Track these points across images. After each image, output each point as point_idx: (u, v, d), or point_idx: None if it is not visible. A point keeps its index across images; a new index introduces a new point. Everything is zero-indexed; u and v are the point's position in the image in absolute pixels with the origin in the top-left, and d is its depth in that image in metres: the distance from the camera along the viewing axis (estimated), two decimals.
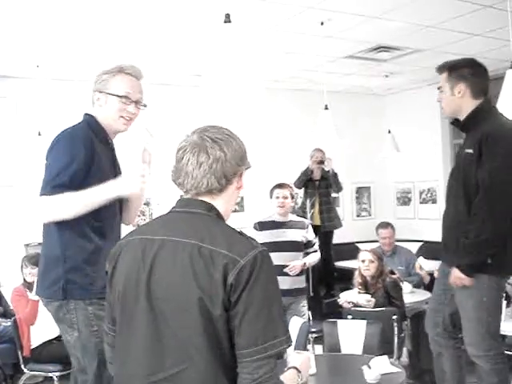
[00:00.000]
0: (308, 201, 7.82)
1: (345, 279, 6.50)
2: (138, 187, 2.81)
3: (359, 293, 5.32)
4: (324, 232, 7.72)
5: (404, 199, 9.72)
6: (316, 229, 6.58)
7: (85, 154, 2.69)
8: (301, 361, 2.08)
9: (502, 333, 3.77)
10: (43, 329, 4.85)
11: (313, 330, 5.35)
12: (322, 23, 5.53)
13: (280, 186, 5.37)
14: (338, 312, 5.25)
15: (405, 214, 9.55)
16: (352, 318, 4.80)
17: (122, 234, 2.09)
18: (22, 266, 5.36)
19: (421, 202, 9.38)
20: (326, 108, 6.32)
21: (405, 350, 5.37)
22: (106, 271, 1.93)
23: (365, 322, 4.49)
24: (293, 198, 5.47)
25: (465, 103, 3.44)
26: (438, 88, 3.56)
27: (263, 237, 4.96)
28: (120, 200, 2.95)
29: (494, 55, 6.62)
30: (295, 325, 4.38)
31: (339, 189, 7.94)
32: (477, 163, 3.27)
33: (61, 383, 4.86)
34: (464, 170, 3.39)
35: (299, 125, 8.56)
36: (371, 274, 5.31)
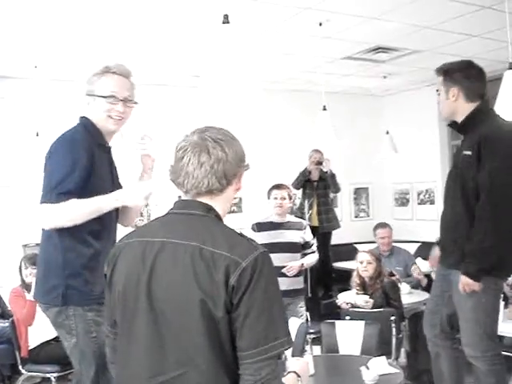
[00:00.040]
0: (306, 202, 7.82)
1: (343, 280, 6.50)
2: (141, 201, 2.83)
3: (357, 294, 5.32)
4: (322, 233, 7.72)
5: (402, 200, 9.72)
6: (314, 230, 6.58)
7: (86, 159, 2.69)
8: (300, 366, 2.08)
9: (499, 334, 3.77)
10: (41, 329, 4.84)
11: (311, 330, 5.35)
12: (320, 24, 5.53)
13: (278, 186, 5.37)
14: (336, 313, 5.25)
15: (403, 214, 9.56)
16: (350, 319, 4.80)
17: (119, 236, 2.07)
18: (20, 268, 5.35)
19: (419, 203, 9.38)
20: (325, 109, 6.32)
21: (403, 350, 5.38)
22: (105, 274, 1.92)
23: (363, 322, 4.49)
24: (291, 198, 5.47)
25: (460, 107, 3.45)
26: (437, 90, 3.57)
27: (261, 238, 4.96)
28: None
29: (492, 56, 6.62)
30: (293, 326, 4.37)
31: (337, 190, 7.95)
32: (476, 166, 3.27)
33: None
34: (462, 171, 3.40)
35: (297, 126, 8.56)
36: (369, 274, 5.32)
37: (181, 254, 1.72)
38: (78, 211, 2.63)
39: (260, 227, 5.31)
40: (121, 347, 1.87)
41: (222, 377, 1.68)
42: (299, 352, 4.06)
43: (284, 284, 4.92)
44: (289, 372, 2.02)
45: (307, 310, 5.42)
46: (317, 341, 4.93)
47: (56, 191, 2.62)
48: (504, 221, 3.25)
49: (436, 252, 3.83)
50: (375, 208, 9.89)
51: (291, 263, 5.08)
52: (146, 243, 1.81)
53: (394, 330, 4.74)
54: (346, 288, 5.77)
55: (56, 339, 4.59)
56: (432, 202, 9.02)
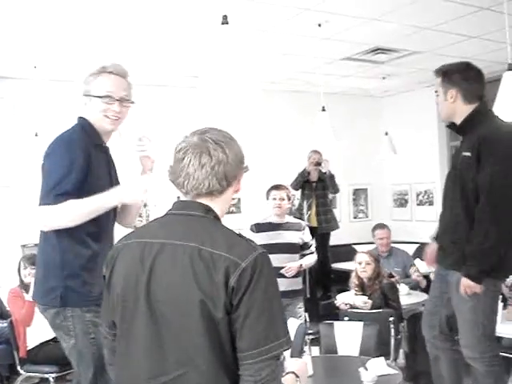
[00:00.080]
0: (305, 202, 7.82)
1: (341, 281, 6.50)
2: (140, 196, 2.82)
3: (356, 294, 5.32)
4: (321, 234, 7.72)
5: (401, 201, 9.72)
6: (313, 230, 6.57)
7: (83, 159, 2.69)
8: (299, 366, 2.09)
9: (497, 335, 3.78)
10: (39, 330, 4.83)
11: (309, 331, 5.35)
12: (319, 25, 5.54)
13: (277, 187, 5.36)
14: (335, 314, 5.25)
15: (401, 215, 9.56)
16: (349, 320, 4.80)
17: (118, 237, 2.07)
18: (19, 268, 5.34)
19: (417, 204, 9.39)
20: (324, 110, 6.32)
21: (401, 351, 5.38)
22: (104, 275, 1.91)
23: (361, 323, 4.49)
24: (290, 199, 5.47)
25: (458, 108, 3.45)
26: (435, 91, 3.58)
27: (260, 239, 4.97)
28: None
29: (491, 57, 6.63)
30: (292, 326, 4.37)
31: (336, 190, 7.95)
32: (475, 167, 3.27)
33: None
34: (461, 172, 3.40)
35: (296, 126, 8.56)
36: (368, 275, 5.32)
37: (180, 254, 1.72)
38: (76, 211, 2.63)
39: (259, 228, 5.32)
40: (120, 348, 1.87)
41: (222, 377, 1.68)
42: (298, 353, 4.05)
43: (283, 285, 4.90)
44: (287, 373, 2.02)
45: (306, 310, 5.42)
46: (315, 341, 4.93)
47: (54, 192, 2.61)
48: (504, 222, 3.25)
49: (431, 248, 3.82)
50: (374, 209, 9.89)
51: (290, 264, 5.09)
52: (144, 244, 1.80)
53: (392, 330, 4.73)
54: (345, 289, 5.76)
55: (54, 340, 4.59)
56: (431, 203, 9.02)
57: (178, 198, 1.92)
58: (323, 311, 6.03)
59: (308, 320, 5.49)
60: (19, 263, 5.38)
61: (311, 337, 5.47)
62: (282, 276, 4.94)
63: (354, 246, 7.93)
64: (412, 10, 5.18)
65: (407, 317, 5.44)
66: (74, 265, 2.71)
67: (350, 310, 5.09)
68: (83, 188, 2.64)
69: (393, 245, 6.81)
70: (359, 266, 5.39)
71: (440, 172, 8.62)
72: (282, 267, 4.98)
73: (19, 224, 6.48)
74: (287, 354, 1.79)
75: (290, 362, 2.11)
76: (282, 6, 5.01)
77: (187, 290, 1.68)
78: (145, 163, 3.06)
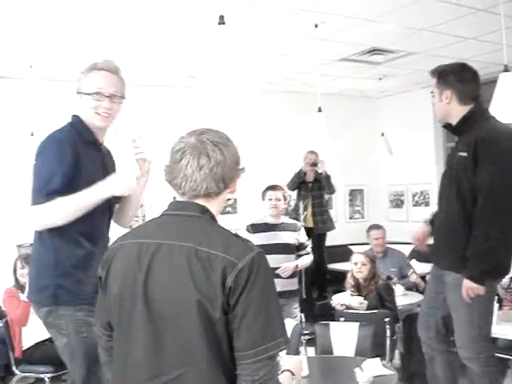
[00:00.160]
0: (301, 203, 7.82)
1: (337, 281, 6.50)
2: (128, 187, 2.79)
3: (352, 295, 5.32)
4: (317, 234, 7.73)
5: (397, 202, 9.74)
6: (309, 231, 6.58)
7: (71, 156, 2.68)
8: (294, 364, 2.10)
9: (493, 336, 3.78)
10: (35, 330, 4.81)
11: (305, 332, 5.33)
12: (316, 26, 5.54)
13: (273, 187, 5.36)
14: (331, 314, 5.24)
15: (397, 216, 9.57)
16: (344, 320, 4.80)
17: (114, 237, 2.06)
18: (15, 268, 5.33)
19: (413, 205, 9.40)
20: (320, 110, 6.33)
21: (397, 352, 5.38)
22: (100, 276, 1.91)
23: (357, 324, 4.49)
24: (286, 199, 5.46)
25: (453, 109, 3.46)
26: (431, 92, 3.58)
27: (256, 239, 4.95)
28: (111, 204, 2.94)
29: (487, 59, 6.65)
30: (288, 327, 4.36)
31: (332, 191, 7.96)
32: (472, 167, 3.27)
33: None
34: (457, 172, 3.40)
35: (293, 127, 8.57)
36: (364, 276, 5.32)
37: (176, 255, 1.72)
38: (66, 208, 2.62)
39: (255, 228, 5.31)
40: (118, 348, 1.87)
41: (220, 377, 1.69)
42: (293, 353, 4.05)
43: (278, 285, 4.83)
44: (283, 371, 2.02)
45: (301, 311, 5.42)
46: (311, 342, 4.92)
47: (42, 192, 2.62)
48: (504, 222, 3.25)
49: (423, 230, 3.83)
50: (370, 210, 9.90)
51: (285, 264, 5.08)
52: (141, 244, 1.80)
53: (388, 331, 4.73)
54: (341, 289, 5.77)
55: (50, 340, 4.53)
56: (427, 204, 9.03)
57: (174, 198, 1.92)
58: (319, 312, 6.02)
59: (304, 320, 5.49)
60: (15, 263, 5.36)
61: (307, 337, 5.45)
62: (278, 276, 4.93)
63: (350, 247, 7.91)
64: (408, 11, 5.19)
65: (403, 317, 5.44)
66: (67, 264, 2.71)
67: (345, 311, 5.09)
68: (73, 186, 2.63)
69: (388, 245, 6.81)
70: (355, 267, 5.39)
71: (436, 173, 8.63)
72: (278, 268, 4.97)
73: (15, 224, 6.46)
74: (283, 353, 1.79)
75: (285, 360, 2.11)
76: (279, 7, 5.01)
77: (184, 290, 1.68)
78: (141, 164, 3.05)
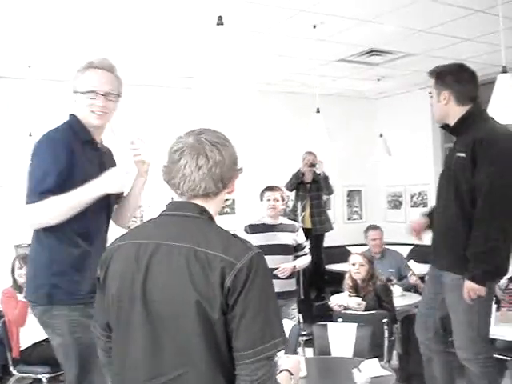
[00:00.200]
0: (299, 204, 7.83)
1: (335, 282, 6.50)
2: (122, 185, 2.79)
3: (350, 296, 5.33)
4: (315, 235, 7.73)
5: (395, 203, 9.74)
6: (307, 232, 6.57)
7: (65, 155, 2.68)
8: (292, 363, 2.10)
9: (491, 337, 3.78)
10: (33, 330, 4.81)
11: (303, 332, 5.33)
12: (314, 26, 5.55)
13: (271, 188, 5.36)
14: (329, 315, 5.25)
15: (395, 217, 9.56)
16: (342, 321, 4.80)
17: (112, 237, 2.06)
18: (13, 268, 5.32)
19: (412, 206, 9.40)
20: (318, 111, 6.33)
21: (395, 353, 5.38)
22: (98, 277, 1.91)
23: (355, 325, 4.49)
24: (284, 200, 5.47)
25: (451, 110, 3.46)
26: (429, 93, 3.58)
27: (254, 240, 4.93)
28: (109, 203, 2.94)
29: (485, 60, 6.66)
30: (286, 328, 4.36)
31: (330, 192, 7.96)
32: (470, 168, 3.27)
33: None
34: (455, 173, 3.40)
35: (291, 127, 8.58)
36: (362, 277, 5.33)
37: (175, 255, 1.72)
38: (58, 207, 2.62)
39: (253, 229, 5.31)
40: (117, 349, 1.86)
41: (219, 377, 1.69)
42: (292, 354, 4.05)
43: (276, 286, 4.82)
44: (281, 370, 2.03)
45: (299, 312, 5.41)
46: (309, 343, 4.92)
47: (36, 191, 2.63)
48: (503, 222, 3.25)
49: (421, 222, 3.84)
50: (368, 210, 9.90)
51: (283, 265, 5.08)
52: (139, 245, 1.80)
53: (386, 332, 4.73)
54: (339, 290, 5.77)
55: (48, 340, 4.55)
56: (425, 205, 9.02)
57: (172, 198, 1.91)
58: (317, 312, 6.03)
59: (302, 321, 5.49)
60: (13, 263, 5.36)
61: (305, 338, 5.45)
62: (276, 277, 4.92)
63: (348, 248, 7.92)
64: (407, 12, 5.20)
65: (401, 318, 5.44)
66: (62, 263, 2.72)
67: (343, 312, 5.09)
68: (67, 185, 2.63)
69: (386, 246, 6.81)
70: (353, 268, 5.39)
71: (434, 174, 8.63)
72: (276, 268, 4.97)
73: (12, 224, 6.44)
74: (281, 353, 1.79)
75: (283, 360, 2.11)
76: (277, 7, 5.01)
77: (183, 290, 1.68)
78: (140, 166, 3.04)
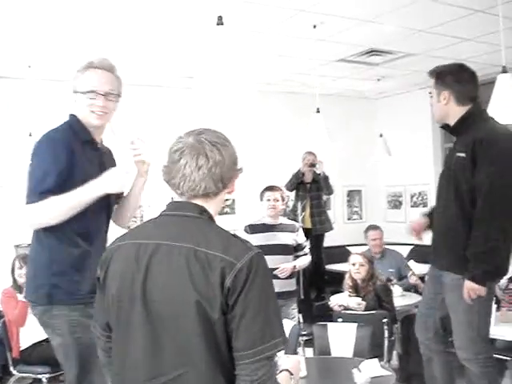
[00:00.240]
0: (299, 204, 7.83)
1: (335, 282, 6.50)
2: (121, 185, 2.79)
3: (350, 296, 5.33)
4: (315, 235, 7.73)
5: (395, 203, 9.74)
6: (307, 232, 6.57)
7: (65, 155, 2.68)
8: (292, 363, 2.10)
9: (491, 337, 3.78)
10: (33, 330, 4.81)
11: (303, 332, 5.33)
12: (314, 26, 5.55)
13: (271, 188, 5.36)
14: (329, 315, 5.25)
15: (395, 217, 9.56)
16: (342, 321, 4.80)
17: (112, 237, 2.06)
18: (13, 268, 5.32)
19: (412, 206, 9.40)
20: (318, 111, 6.33)
21: (395, 353, 5.38)
22: (98, 277, 1.91)
23: (355, 325, 4.49)
24: (284, 200, 5.47)
25: (451, 110, 3.46)
26: (429, 93, 3.59)
27: (254, 240, 4.94)
28: (110, 203, 2.94)
29: (485, 60, 6.66)
30: (285, 328, 4.36)
31: (330, 192, 7.96)
32: (470, 168, 3.28)
33: None
34: (455, 173, 3.40)
35: (291, 127, 8.58)
36: (362, 277, 5.33)
37: (175, 255, 1.71)
38: (58, 207, 2.62)
39: (253, 229, 5.31)
40: (117, 349, 1.86)
41: (219, 377, 1.69)
42: (291, 354, 4.05)
43: (276, 286, 4.80)
44: (281, 370, 2.03)
45: (299, 312, 5.41)
46: (309, 343, 4.92)
47: (36, 191, 2.63)
48: (503, 222, 3.25)
49: (420, 222, 3.85)
50: (368, 210, 9.90)
51: (283, 265, 5.08)
52: (139, 245, 1.80)
53: (386, 332, 4.73)
54: (339, 290, 5.76)
55: (47, 340, 4.55)
56: (425, 205, 9.02)
57: (172, 198, 1.91)
58: (317, 312, 6.03)
59: (302, 321, 5.49)
60: (13, 263, 5.36)
61: (305, 338, 5.45)
62: (276, 277, 4.92)
63: (348, 248, 7.93)
64: (407, 12, 5.20)
65: (401, 318, 5.44)
66: (62, 263, 2.72)
67: (343, 312, 5.09)
68: (67, 185, 2.63)
69: (386, 246, 6.81)
70: (353, 268, 5.39)
71: (434, 174, 8.62)
72: (276, 268, 4.97)
73: (12, 224, 6.44)
74: (281, 352, 1.79)
75: (283, 360, 2.11)
76: (277, 7, 5.01)
77: (183, 290, 1.68)
78: (140, 166, 3.04)
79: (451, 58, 5.02)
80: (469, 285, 3.29)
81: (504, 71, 4.44)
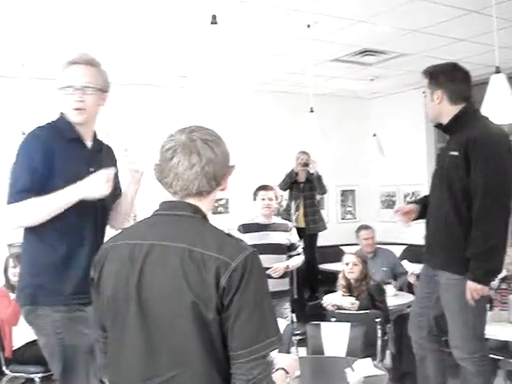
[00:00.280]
0: (293, 203, 7.83)
1: (329, 282, 6.51)
2: (102, 190, 2.72)
3: (343, 295, 5.33)
4: (308, 234, 7.74)
5: (388, 202, 9.75)
6: (301, 231, 6.58)
7: (42, 154, 2.65)
8: (288, 362, 2.10)
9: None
10: (25, 330, 4.77)
11: (297, 332, 5.34)
12: (308, 26, 5.54)
13: (264, 187, 5.35)
14: (322, 314, 5.26)
15: (389, 217, 9.56)
16: (336, 321, 4.81)
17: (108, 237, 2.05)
18: (6, 267, 5.30)
19: None
20: (312, 111, 6.33)
21: (388, 352, 5.39)
22: (92, 277, 1.90)
23: (348, 324, 4.49)
24: (277, 199, 5.47)
25: (444, 109, 3.47)
26: (423, 92, 3.60)
27: (247, 239, 4.93)
28: (104, 204, 2.91)
29: (478, 60, 6.67)
30: (279, 327, 4.36)
31: (323, 191, 7.97)
32: (463, 167, 3.29)
33: None
34: (448, 172, 3.41)
35: (285, 127, 8.58)
36: (355, 276, 5.33)
37: (170, 256, 1.71)
38: (36, 209, 2.61)
39: (246, 229, 5.30)
40: (112, 350, 1.86)
41: (215, 377, 1.68)
42: (284, 353, 4.05)
43: (269, 285, 4.86)
44: (277, 369, 2.03)
45: (293, 311, 5.42)
46: (302, 342, 4.93)
47: (12, 191, 2.63)
48: (501, 221, 3.27)
49: (408, 207, 3.87)
50: (361, 210, 9.91)
51: (276, 264, 5.08)
52: (133, 245, 1.79)
53: (379, 331, 4.74)
54: (332, 290, 5.77)
55: None
56: None
57: (165, 198, 1.91)
58: (310, 312, 6.04)
59: (295, 321, 5.49)
60: (6, 262, 5.34)
61: (298, 338, 5.46)
62: (269, 277, 4.92)
63: (342, 247, 7.93)
64: (401, 12, 5.20)
65: (394, 318, 5.45)
66: (44, 264, 2.71)
67: (337, 311, 5.10)
68: (49, 185, 2.61)
69: (378, 245, 6.82)
70: (346, 267, 5.40)
71: (427, 173, 8.61)
72: (269, 268, 4.97)
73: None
74: (275, 351, 1.80)
75: (279, 358, 2.11)
76: (271, 7, 5.01)
77: (178, 291, 1.67)
78: (133, 174, 3.01)
79: (445, 59, 5.01)
80: (472, 286, 3.28)
81: (497, 72, 4.45)
